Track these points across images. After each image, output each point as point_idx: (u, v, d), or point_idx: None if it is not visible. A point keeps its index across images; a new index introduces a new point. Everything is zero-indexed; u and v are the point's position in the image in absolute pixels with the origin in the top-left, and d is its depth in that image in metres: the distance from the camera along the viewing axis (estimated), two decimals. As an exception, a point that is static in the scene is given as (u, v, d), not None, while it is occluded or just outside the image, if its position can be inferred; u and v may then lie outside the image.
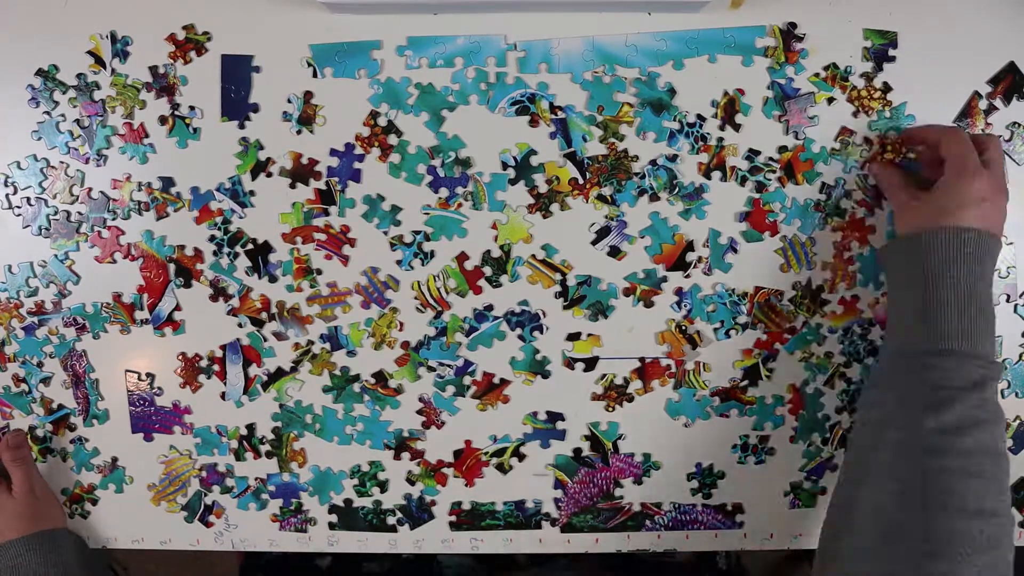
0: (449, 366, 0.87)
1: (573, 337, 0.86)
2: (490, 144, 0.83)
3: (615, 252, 0.85)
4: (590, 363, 0.87)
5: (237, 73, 0.83)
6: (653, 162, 0.83)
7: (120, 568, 1.20)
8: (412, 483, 0.89)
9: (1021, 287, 0.87)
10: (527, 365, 0.87)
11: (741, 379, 0.87)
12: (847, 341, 0.87)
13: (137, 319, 0.87)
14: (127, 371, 0.88)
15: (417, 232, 0.84)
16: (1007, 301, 0.87)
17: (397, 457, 0.89)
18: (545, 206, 0.84)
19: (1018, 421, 0.88)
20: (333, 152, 0.83)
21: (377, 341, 0.86)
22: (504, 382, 0.87)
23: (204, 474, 0.89)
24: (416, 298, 0.85)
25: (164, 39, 0.82)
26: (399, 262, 0.85)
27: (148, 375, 0.88)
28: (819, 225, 0.84)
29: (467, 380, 0.87)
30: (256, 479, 0.89)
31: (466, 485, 0.89)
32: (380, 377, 0.87)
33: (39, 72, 0.83)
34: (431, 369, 0.87)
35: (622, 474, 0.89)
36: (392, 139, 0.83)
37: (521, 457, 0.89)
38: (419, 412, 0.88)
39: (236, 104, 0.83)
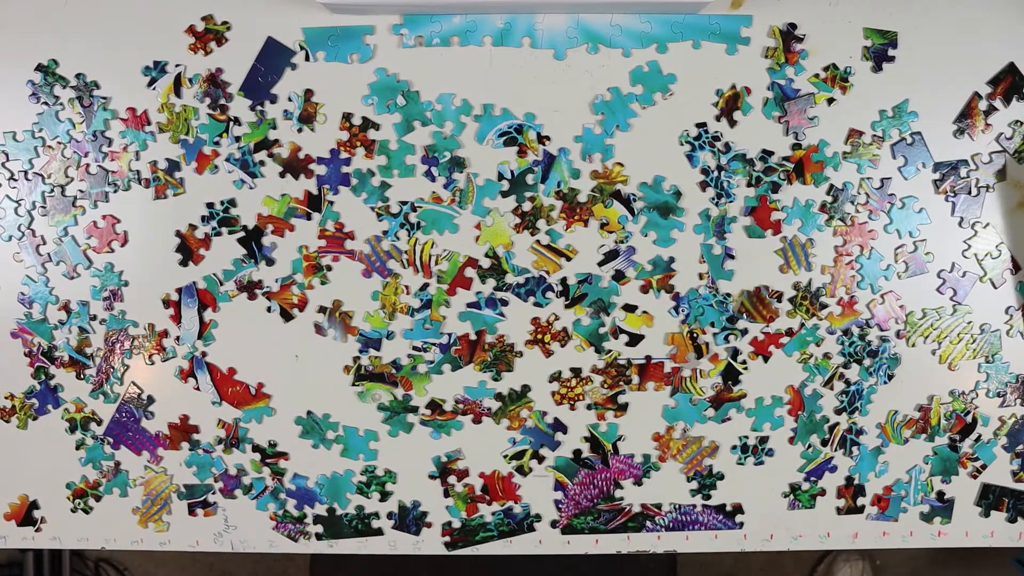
0: (434, 344, 0.86)
1: (630, 309, 0.86)
2: (487, 153, 0.83)
3: (619, 276, 0.85)
4: (635, 339, 0.86)
5: (273, 60, 0.82)
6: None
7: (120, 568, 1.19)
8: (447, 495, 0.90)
9: (1016, 300, 0.87)
10: (587, 332, 0.86)
11: (723, 383, 0.87)
12: (846, 342, 0.87)
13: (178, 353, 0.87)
14: (133, 383, 0.88)
15: (404, 203, 0.84)
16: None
17: (444, 483, 0.89)
18: (531, 223, 0.84)
19: (1013, 419, 0.89)
20: (320, 160, 0.83)
21: (389, 311, 0.85)
22: (480, 335, 0.86)
23: (220, 484, 0.89)
24: (406, 252, 0.85)
25: (183, 31, 0.82)
26: (385, 232, 0.84)
27: (149, 397, 0.88)
28: (821, 227, 0.84)
29: (452, 352, 0.86)
30: (274, 478, 0.89)
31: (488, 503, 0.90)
32: (435, 406, 0.87)
33: (39, 67, 0.83)
34: (429, 362, 0.86)
35: (622, 475, 0.89)
36: (372, 133, 0.83)
37: (540, 459, 0.89)
38: (464, 413, 0.88)
39: (259, 87, 0.83)
